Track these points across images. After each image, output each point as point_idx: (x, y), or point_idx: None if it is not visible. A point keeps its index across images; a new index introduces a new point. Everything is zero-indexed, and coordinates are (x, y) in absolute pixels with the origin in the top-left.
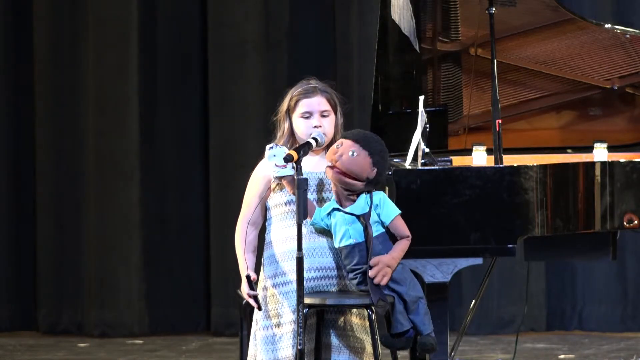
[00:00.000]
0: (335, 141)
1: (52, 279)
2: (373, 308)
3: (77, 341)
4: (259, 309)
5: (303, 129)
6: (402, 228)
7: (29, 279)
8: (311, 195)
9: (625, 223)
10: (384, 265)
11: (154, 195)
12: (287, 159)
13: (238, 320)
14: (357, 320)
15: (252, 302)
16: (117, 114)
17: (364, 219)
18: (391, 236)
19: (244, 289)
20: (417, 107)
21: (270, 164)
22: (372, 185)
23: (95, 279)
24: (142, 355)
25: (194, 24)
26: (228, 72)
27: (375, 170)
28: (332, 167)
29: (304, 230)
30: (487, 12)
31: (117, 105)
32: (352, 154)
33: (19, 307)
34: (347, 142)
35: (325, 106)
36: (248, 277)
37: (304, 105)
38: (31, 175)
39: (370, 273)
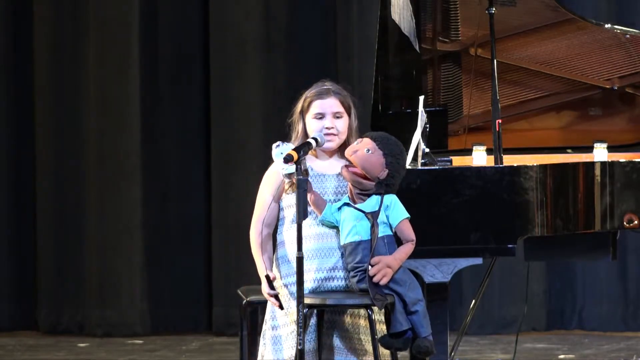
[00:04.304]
0: (349, 144)
1: (53, 279)
2: (373, 308)
3: (77, 341)
4: (281, 308)
5: (315, 129)
6: (408, 232)
7: (30, 278)
8: (327, 197)
9: (625, 223)
10: (385, 265)
11: (156, 194)
12: (287, 159)
13: (239, 320)
14: (359, 322)
15: (273, 301)
16: (118, 113)
17: (372, 217)
18: (397, 240)
19: (264, 288)
20: (417, 107)
21: (278, 162)
22: (382, 186)
23: (97, 278)
24: (142, 355)
25: (194, 23)
26: (229, 72)
27: (387, 172)
28: (346, 166)
29: (315, 230)
30: (487, 12)
31: (118, 105)
32: (367, 151)
33: (19, 306)
34: (365, 140)
35: (338, 108)
36: (267, 277)
37: (316, 106)
38: (31, 175)
39: (371, 271)
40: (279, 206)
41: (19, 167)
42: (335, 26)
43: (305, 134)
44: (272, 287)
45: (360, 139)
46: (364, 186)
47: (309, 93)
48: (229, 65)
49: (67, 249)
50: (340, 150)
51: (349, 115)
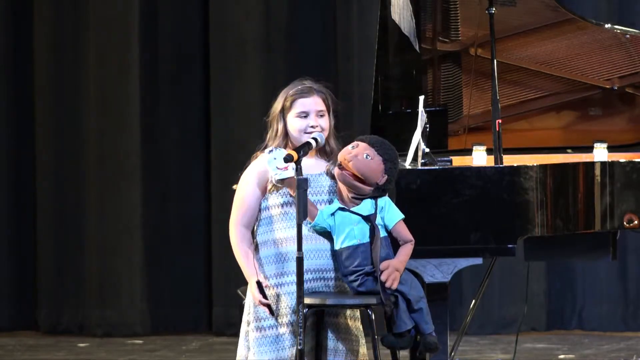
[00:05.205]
0: (329, 143)
1: (53, 279)
2: (373, 308)
3: (77, 341)
4: (272, 314)
5: (299, 128)
6: (405, 232)
7: (30, 278)
8: (321, 197)
9: (625, 223)
10: (394, 269)
11: (156, 194)
12: (287, 159)
13: (239, 320)
14: (351, 323)
15: (264, 308)
16: (118, 113)
17: (370, 219)
18: (392, 241)
19: (255, 295)
20: (417, 107)
21: (271, 168)
22: (379, 191)
23: (97, 278)
24: (142, 355)
25: (194, 23)
26: (229, 72)
27: (386, 177)
28: (341, 168)
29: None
30: (487, 12)
31: (118, 105)
32: (366, 157)
33: (19, 306)
34: (363, 145)
35: (321, 106)
36: (259, 283)
37: (300, 104)
38: (31, 175)
39: (382, 277)
40: (260, 207)
41: (19, 167)
42: (335, 26)
43: (286, 133)
44: (263, 293)
45: (356, 143)
46: (360, 190)
47: (290, 91)
48: (229, 65)
49: (67, 249)
50: (320, 149)
51: (329, 114)
